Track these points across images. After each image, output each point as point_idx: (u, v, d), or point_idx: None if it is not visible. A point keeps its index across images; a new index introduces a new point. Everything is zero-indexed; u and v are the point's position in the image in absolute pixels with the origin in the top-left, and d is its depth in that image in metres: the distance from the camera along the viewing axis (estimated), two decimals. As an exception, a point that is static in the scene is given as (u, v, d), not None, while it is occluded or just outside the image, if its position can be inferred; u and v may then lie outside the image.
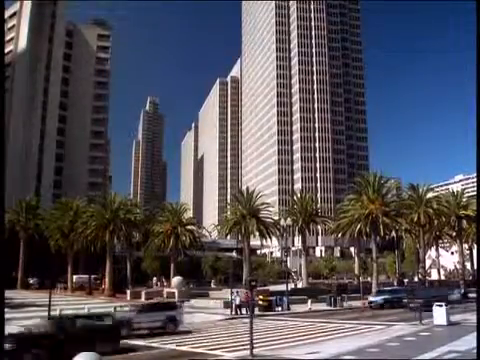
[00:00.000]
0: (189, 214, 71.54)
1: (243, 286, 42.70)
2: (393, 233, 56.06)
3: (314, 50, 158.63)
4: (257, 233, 57.40)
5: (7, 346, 14.95)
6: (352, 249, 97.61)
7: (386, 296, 39.11)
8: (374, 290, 45.89)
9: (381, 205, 47.41)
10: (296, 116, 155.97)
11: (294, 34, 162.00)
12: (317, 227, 76.43)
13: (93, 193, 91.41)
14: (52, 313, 25.30)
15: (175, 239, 55.00)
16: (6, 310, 20.69)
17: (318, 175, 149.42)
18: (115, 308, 29.01)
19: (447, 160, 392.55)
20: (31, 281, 65.12)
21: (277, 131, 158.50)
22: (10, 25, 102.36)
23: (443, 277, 75.39)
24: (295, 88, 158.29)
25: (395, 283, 63.65)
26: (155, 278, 64.08)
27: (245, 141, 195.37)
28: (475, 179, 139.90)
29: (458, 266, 70.62)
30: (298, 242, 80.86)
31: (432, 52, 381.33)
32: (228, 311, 33.85)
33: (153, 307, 26.92)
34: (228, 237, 78.75)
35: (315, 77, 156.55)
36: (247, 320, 21.10)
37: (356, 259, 59.04)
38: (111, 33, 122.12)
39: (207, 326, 27.88)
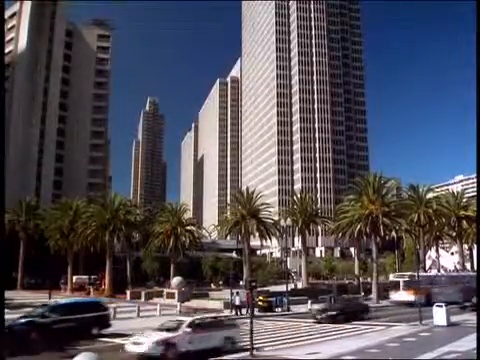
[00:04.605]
0: (189, 214, 71.50)
1: (243, 287, 42.69)
2: (393, 233, 55.97)
3: (314, 50, 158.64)
4: (257, 233, 57.36)
5: None
6: (352, 249, 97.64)
7: None
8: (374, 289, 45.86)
9: (381, 205, 47.34)
10: (296, 116, 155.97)
11: (294, 34, 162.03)
12: (317, 227, 76.26)
13: (93, 193, 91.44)
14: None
15: (175, 239, 54.97)
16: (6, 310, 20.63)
17: (318, 175, 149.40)
18: None
19: (447, 160, 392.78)
20: (29, 281, 65.14)
21: (277, 131, 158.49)
22: (10, 25, 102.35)
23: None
24: (295, 88, 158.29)
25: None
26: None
27: (245, 141, 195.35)
28: (475, 179, 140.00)
29: (458, 266, 70.54)
30: (298, 242, 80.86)
31: (432, 52, 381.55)
32: (228, 312, 33.82)
33: None
34: (228, 237, 78.70)
35: (315, 77, 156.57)
36: (247, 321, 21.06)
37: (356, 259, 59.06)
38: (111, 33, 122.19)
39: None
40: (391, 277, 46.93)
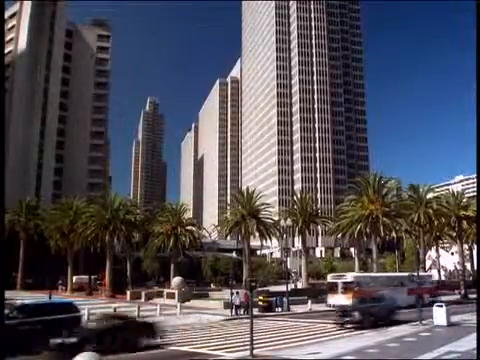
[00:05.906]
0: (189, 214, 71.52)
1: (243, 287, 42.70)
2: (393, 234, 55.93)
3: (314, 50, 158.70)
4: (257, 234, 57.31)
5: None
6: (352, 250, 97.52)
7: None
8: None
9: (381, 206, 47.31)
10: (296, 116, 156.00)
11: (294, 34, 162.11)
12: (317, 228, 76.27)
13: (93, 194, 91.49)
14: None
15: (175, 240, 54.99)
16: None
17: (318, 175, 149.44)
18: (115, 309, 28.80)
19: (447, 160, 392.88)
20: (27, 281, 65.20)
21: (277, 131, 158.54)
22: (10, 25, 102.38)
23: (443, 278, 75.43)
24: (295, 88, 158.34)
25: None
26: None
27: (245, 141, 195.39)
28: (475, 180, 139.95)
29: (458, 267, 70.53)
30: (298, 243, 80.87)
31: (432, 52, 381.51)
32: (228, 312, 33.82)
33: None
34: (228, 237, 78.73)
35: (315, 77, 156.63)
36: (247, 320, 21.06)
37: (356, 260, 58.96)
38: (111, 33, 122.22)
39: (207, 326, 27.88)
40: (329, 278, 40.69)
